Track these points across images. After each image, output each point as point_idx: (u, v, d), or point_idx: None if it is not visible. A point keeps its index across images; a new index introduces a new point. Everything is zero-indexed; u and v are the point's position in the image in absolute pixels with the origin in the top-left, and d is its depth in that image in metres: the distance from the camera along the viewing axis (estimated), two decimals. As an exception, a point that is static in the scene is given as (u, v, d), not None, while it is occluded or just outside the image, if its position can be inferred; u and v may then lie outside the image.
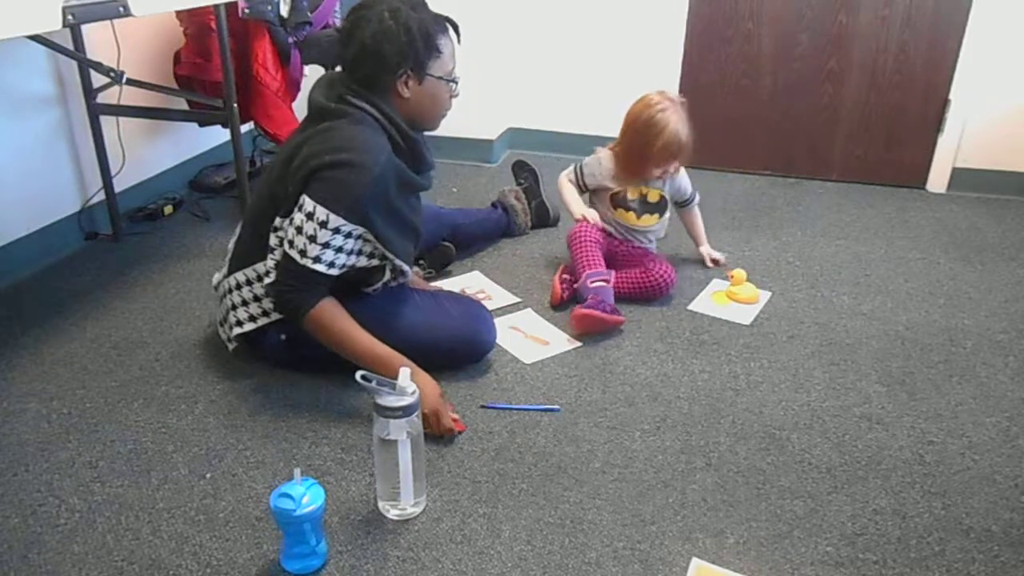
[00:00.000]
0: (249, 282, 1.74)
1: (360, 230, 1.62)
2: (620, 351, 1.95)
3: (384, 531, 1.38)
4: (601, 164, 2.26)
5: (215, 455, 1.56)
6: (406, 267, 1.75)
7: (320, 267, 1.59)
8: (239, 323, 1.76)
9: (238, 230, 1.84)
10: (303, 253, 1.58)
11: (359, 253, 1.67)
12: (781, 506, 1.45)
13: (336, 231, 1.58)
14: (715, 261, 2.42)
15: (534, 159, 2.80)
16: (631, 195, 2.23)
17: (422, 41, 1.63)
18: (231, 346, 1.83)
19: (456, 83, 1.73)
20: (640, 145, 2.13)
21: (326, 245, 1.58)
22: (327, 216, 1.56)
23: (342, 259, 1.62)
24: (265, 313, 1.74)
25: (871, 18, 3.00)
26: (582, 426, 1.67)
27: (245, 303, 1.75)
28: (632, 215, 2.24)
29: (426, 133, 1.79)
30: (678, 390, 1.80)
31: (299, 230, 1.58)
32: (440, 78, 1.69)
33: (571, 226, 2.22)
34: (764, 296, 2.24)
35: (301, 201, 1.58)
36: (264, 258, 1.69)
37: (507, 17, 3.24)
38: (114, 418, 1.67)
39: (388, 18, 1.60)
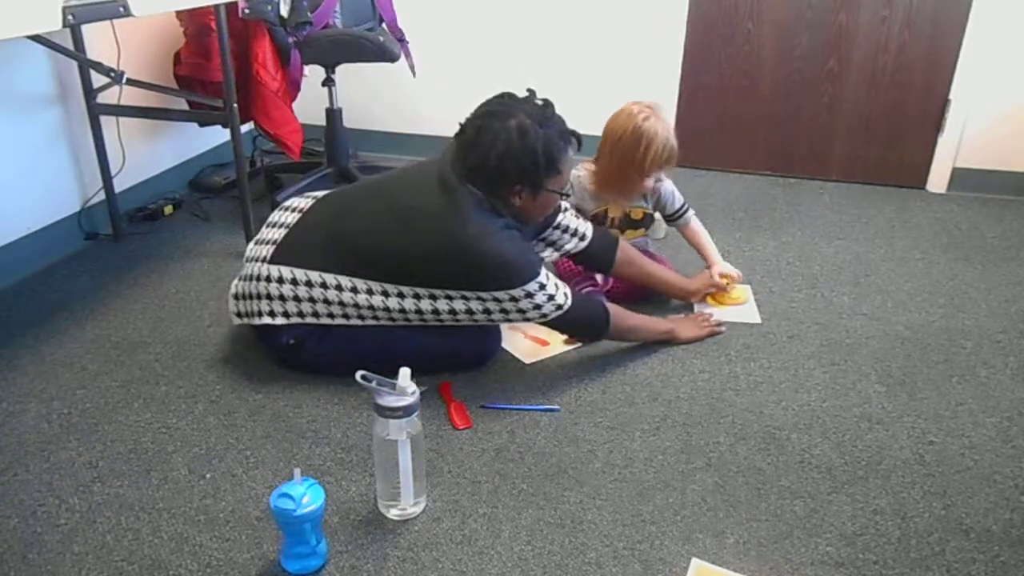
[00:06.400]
0: (295, 282, 1.72)
1: (543, 268, 1.72)
2: (620, 351, 1.95)
3: (384, 531, 1.38)
4: (581, 184, 2.18)
5: (215, 455, 1.56)
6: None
7: (565, 304, 1.73)
8: (269, 314, 1.74)
9: (293, 218, 1.81)
10: (545, 316, 1.72)
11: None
12: (781, 506, 1.45)
13: (541, 287, 1.68)
14: (727, 278, 2.17)
15: (534, 159, 2.80)
16: (612, 213, 2.19)
17: (544, 162, 1.64)
18: (235, 320, 1.82)
19: (567, 196, 1.81)
20: (630, 159, 2.03)
21: (551, 297, 1.70)
22: (522, 291, 1.66)
23: (553, 285, 1.72)
24: (300, 315, 1.73)
25: (871, 18, 3.00)
26: (582, 426, 1.67)
27: (283, 299, 1.73)
28: (616, 232, 2.20)
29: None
30: (678, 390, 1.80)
31: (522, 312, 1.70)
32: (552, 191, 1.72)
33: None
34: (748, 290, 2.24)
35: (495, 298, 1.67)
36: (339, 272, 1.70)
37: (507, 17, 3.24)
38: (114, 418, 1.67)
39: (516, 138, 1.61)
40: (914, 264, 2.46)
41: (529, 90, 1.71)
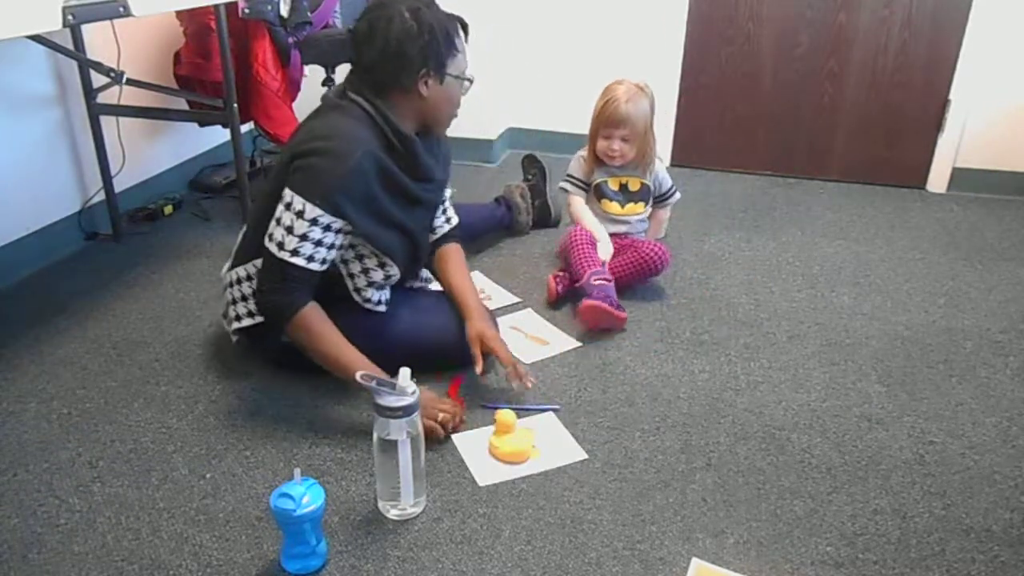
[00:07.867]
0: (249, 277, 1.74)
1: (339, 223, 1.57)
2: (620, 351, 1.95)
3: (384, 531, 1.38)
4: (581, 159, 2.33)
5: (215, 455, 1.56)
6: (394, 264, 1.70)
7: (299, 260, 1.55)
8: (238, 318, 1.76)
9: (245, 226, 1.85)
10: (281, 246, 1.56)
11: (340, 248, 1.63)
12: (781, 506, 1.45)
13: (314, 222, 1.54)
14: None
15: (535, 159, 2.80)
16: (612, 185, 2.28)
17: (443, 39, 1.61)
18: (235, 338, 1.82)
19: (471, 81, 1.71)
20: (594, 114, 2.24)
21: (304, 238, 1.55)
22: (303, 206, 1.53)
23: (322, 253, 1.58)
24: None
25: (871, 18, 3.00)
26: (582, 426, 1.67)
27: (245, 299, 1.75)
28: (616, 204, 2.28)
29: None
30: (678, 390, 1.80)
31: (278, 222, 1.57)
32: (457, 77, 1.67)
33: (563, 233, 2.26)
34: (565, 453, 1.56)
35: (283, 193, 1.57)
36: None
37: (507, 17, 3.24)
38: (114, 418, 1.67)
39: (409, 18, 1.57)
40: (914, 264, 2.47)
41: None
